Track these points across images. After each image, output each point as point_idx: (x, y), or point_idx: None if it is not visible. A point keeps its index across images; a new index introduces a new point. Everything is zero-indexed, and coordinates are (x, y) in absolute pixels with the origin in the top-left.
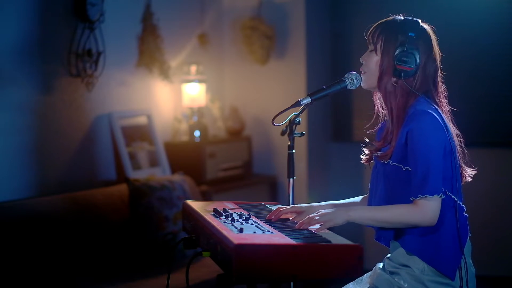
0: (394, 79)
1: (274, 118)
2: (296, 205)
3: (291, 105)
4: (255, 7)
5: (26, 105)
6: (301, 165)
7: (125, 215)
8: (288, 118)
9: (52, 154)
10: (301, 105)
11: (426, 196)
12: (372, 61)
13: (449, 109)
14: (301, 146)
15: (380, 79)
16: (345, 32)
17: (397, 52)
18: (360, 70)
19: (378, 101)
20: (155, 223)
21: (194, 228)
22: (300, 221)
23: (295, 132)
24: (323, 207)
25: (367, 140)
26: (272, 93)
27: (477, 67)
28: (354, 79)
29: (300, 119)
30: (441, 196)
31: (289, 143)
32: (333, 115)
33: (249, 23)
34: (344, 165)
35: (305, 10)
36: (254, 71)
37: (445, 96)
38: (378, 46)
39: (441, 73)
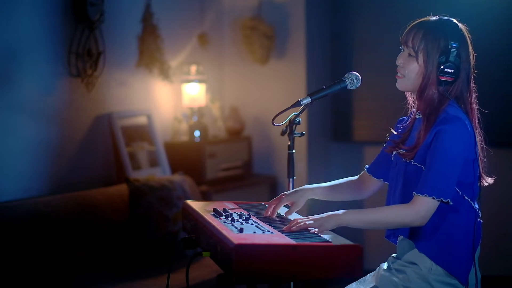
0: (435, 86)
1: (274, 118)
2: (285, 192)
3: (291, 105)
4: (255, 7)
5: (26, 105)
6: (301, 165)
7: (125, 215)
8: (288, 118)
9: (52, 154)
10: (301, 105)
11: (433, 198)
12: (411, 69)
13: (478, 114)
14: (301, 146)
15: (423, 90)
16: (345, 32)
17: (440, 63)
18: (397, 72)
19: (410, 95)
20: (155, 223)
21: (194, 228)
22: (289, 225)
23: (295, 132)
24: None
25: (395, 133)
26: (272, 93)
27: (476, 67)
28: (354, 79)
29: (300, 119)
30: (442, 201)
31: (289, 143)
32: (333, 115)
33: (249, 23)
34: (344, 165)
35: (305, 10)
36: (254, 71)
37: (475, 97)
38: (420, 55)
39: (474, 73)
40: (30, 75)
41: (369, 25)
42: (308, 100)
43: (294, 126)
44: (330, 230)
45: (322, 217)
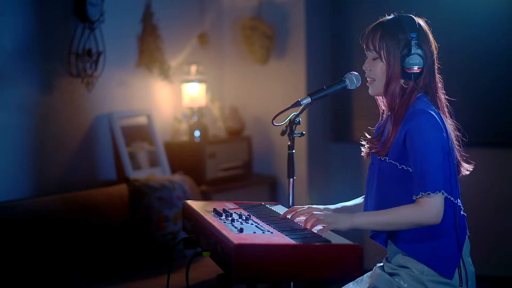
0: (403, 80)
1: (274, 118)
2: (312, 206)
3: (291, 105)
4: (255, 7)
5: (26, 105)
6: (301, 165)
7: (125, 215)
8: (288, 118)
9: (52, 154)
10: (301, 105)
11: (428, 194)
12: (378, 69)
13: (446, 103)
14: (301, 146)
15: (387, 85)
16: (345, 32)
17: (403, 56)
18: (366, 78)
19: (382, 100)
20: (155, 223)
21: (194, 228)
22: (306, 219)
23: (295, 132)
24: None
25: (368, 136)
26: (272, 93)
27: (476, 67)
28: (354, 79)
29: (300, 119)
30: (443, 193)
31: (289, 143)
32: (333, 115)
33: (249, 23)
34: (344, 165)
35: (305, 10)
36: (254, 71)
37: (441, 87)
38: (382, 54)
39: (438, 64)
40: (30, 75)
41: (369, 25)
42: (308, 100)
43: (294, 126)
44: (329, 230)
45: (335, 215)
